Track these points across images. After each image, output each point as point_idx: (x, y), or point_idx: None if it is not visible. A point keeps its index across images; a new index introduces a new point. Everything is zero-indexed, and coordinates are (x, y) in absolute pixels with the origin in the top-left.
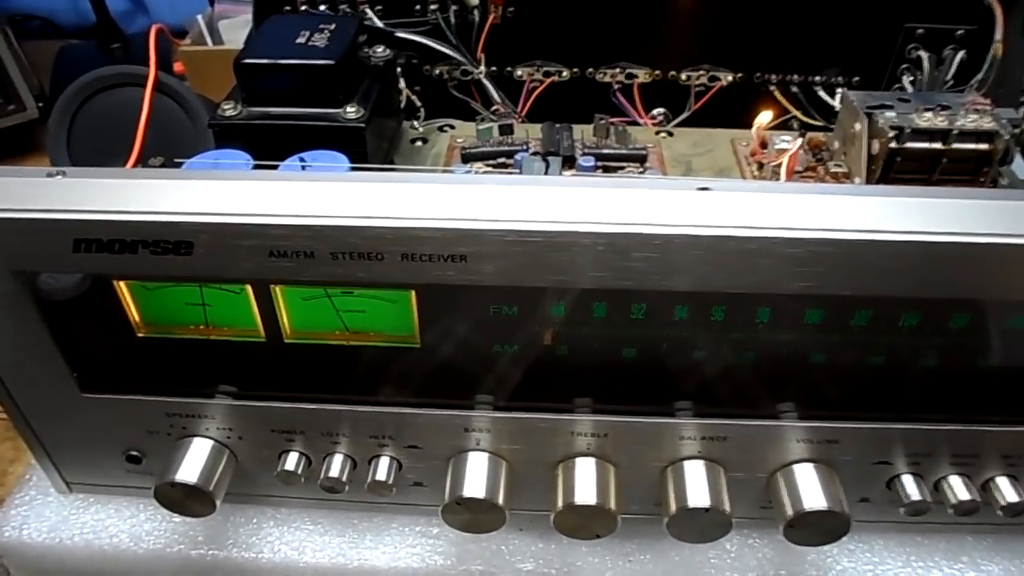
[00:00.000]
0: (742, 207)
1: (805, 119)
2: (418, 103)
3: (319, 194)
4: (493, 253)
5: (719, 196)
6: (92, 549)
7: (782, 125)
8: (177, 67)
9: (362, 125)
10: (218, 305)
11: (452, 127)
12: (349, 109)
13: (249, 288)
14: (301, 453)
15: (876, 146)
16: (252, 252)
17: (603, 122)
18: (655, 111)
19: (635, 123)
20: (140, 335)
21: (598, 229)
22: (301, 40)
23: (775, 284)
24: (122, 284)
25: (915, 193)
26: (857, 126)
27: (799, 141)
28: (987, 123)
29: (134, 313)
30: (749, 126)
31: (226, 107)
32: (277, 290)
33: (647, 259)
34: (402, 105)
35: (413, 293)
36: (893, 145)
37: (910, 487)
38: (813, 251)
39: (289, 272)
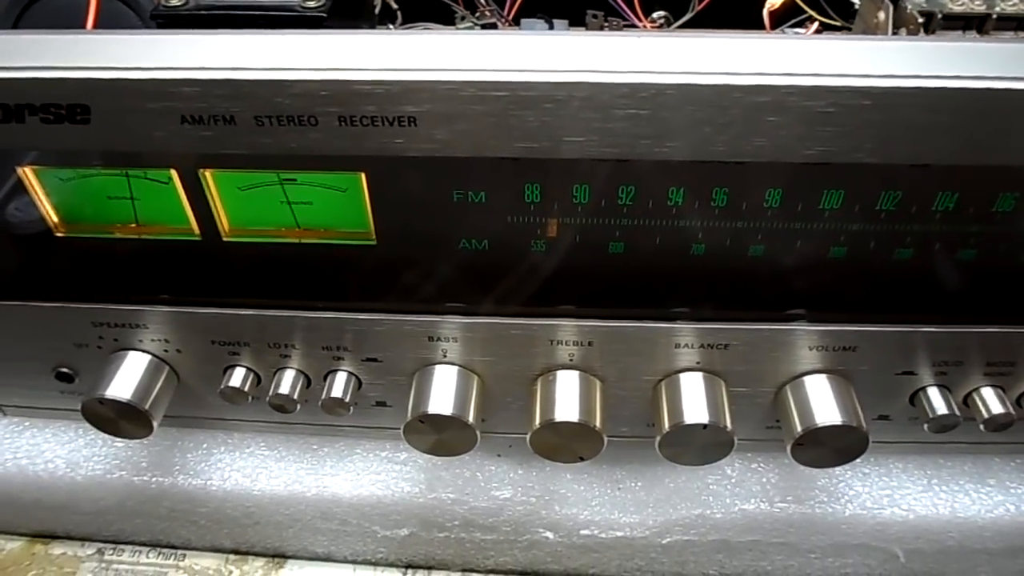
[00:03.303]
0: (750, 53)
1: (822, 19)
2: (394, 5)
3: (238, 46)
4: (447, 113)
5: (722, 41)
6: (27, 475)
7: (797, 27)
8: None
9: (323, 15)
10: (144, 198)
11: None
12: None
13: (175, 174)
14: (248, 368)
15: (903, 35)
16: (162, 118)
17: (596, 19)
18: (655, 14)
19: (632, 27)
20: (59, 235)
21: (574, 79)
22: None
23: (788, 150)
24: (29, 172)
25: (964, 39)
26: (880, 15)
27: (815, 25)
28: None
29: (49, 210)
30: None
31: None
32: (208, 177)
33: (634, 117)
34: (376, 10)
35: (363, 177)
36: (921, 33)
37: (936, 400)
38: (837, 104)
39: (209, 144)
